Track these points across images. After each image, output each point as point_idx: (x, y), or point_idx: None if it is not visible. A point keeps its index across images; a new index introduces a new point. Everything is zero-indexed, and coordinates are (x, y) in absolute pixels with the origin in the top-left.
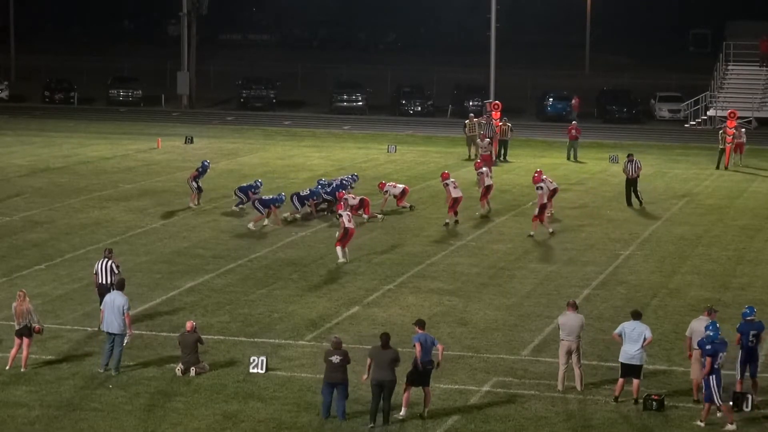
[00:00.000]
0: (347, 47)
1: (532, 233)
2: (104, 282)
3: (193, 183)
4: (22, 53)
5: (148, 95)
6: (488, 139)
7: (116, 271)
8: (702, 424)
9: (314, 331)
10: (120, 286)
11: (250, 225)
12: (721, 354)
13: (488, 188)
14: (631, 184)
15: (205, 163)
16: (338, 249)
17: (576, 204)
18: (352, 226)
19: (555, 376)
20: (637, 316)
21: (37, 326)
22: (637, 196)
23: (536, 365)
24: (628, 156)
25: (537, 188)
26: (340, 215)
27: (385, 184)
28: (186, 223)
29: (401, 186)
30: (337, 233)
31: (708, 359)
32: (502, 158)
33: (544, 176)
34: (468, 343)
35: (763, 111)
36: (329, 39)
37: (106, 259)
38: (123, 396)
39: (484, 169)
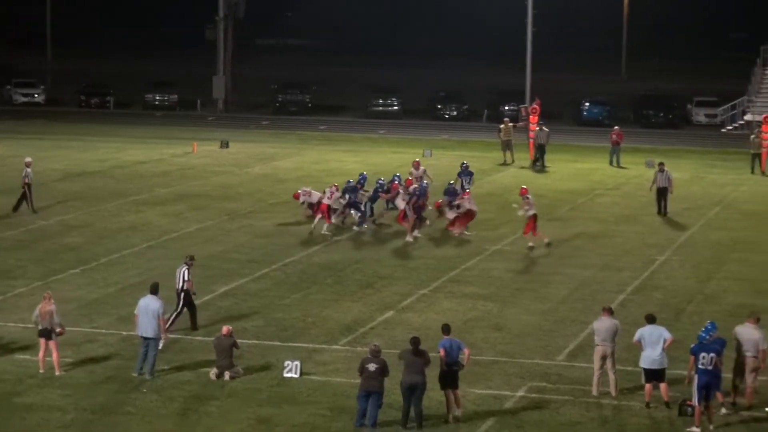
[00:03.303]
0: (382, 52)
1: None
2: (177, 287)
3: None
4: (58, 58)
5: (183, 99)
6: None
7: (186, 278)
8: (696, 430)
9: (349, 335)
10: (154, 290)
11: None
12: (702, 354)
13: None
14: (661, 193)
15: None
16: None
17: (612, 209)
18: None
19: (589, 381)
20: (652, 320)
21: (59, 329)
22: (665, 206)
23: (571, 370)
24: (659, 165)
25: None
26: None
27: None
28: (221, 227)
29: (317, 194)
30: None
31: (691, 358)
32: (538, 163)
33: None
34: (503, 348)
35: None
36: (364, 43)
37: (185, 266)
38: (157, 400)
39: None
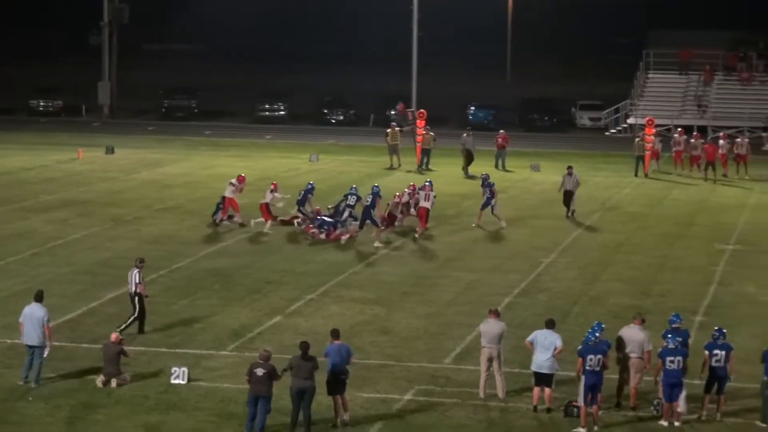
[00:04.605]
0: (272, 57)
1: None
2: (130, 291)
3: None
4: None
5: (68, 105)
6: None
7: (138, 281)
8: (582, 430)
9: (236, 341)
10: (39, 298)
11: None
12: (590, 356)
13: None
14: (568, 196)
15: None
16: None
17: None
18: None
19: (477, 383)
20: (551, 325)
21: None
22: (568, 208)
23: (458, 373)
24: (568, 169)
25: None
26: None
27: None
28: (107, 233)
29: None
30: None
31: (579, 360)
32: (424, 167)
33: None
34: (390, 351)
35: (683, 119)
36: (254, 48)
37: (136, 269)
38: (44, 408)
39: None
